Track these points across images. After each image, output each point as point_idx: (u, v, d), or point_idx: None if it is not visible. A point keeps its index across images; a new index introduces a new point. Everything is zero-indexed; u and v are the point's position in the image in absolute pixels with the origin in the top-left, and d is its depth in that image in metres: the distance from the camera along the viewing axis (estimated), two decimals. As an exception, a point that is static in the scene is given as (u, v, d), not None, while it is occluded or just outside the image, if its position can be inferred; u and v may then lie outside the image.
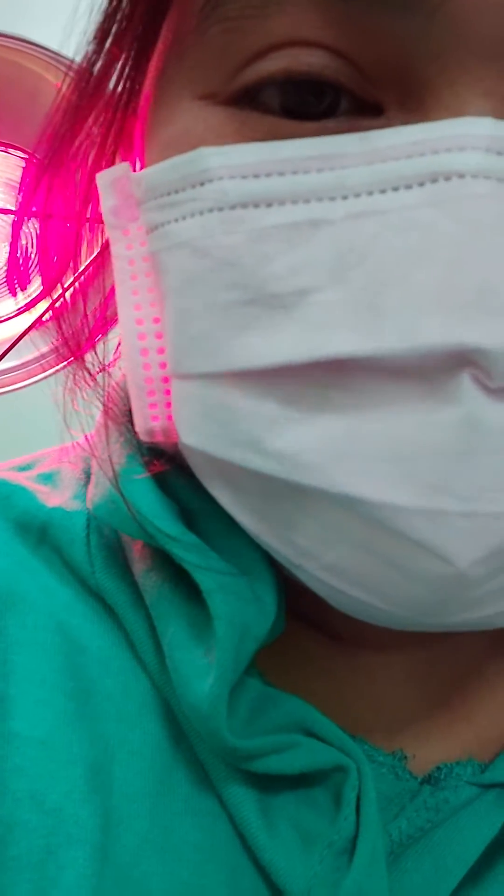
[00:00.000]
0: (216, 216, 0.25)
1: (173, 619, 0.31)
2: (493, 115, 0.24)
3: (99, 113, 0.30)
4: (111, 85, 0.29)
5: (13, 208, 0.71)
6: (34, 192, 0.32)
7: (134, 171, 0.29)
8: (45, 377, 0.78)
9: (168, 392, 0.29)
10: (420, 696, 0.34)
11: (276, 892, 0.30)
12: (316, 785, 0.31)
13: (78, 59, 0.30)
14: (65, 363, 0.85)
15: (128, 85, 0.29)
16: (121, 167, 0.28)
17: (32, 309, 0.75)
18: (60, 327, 0.34)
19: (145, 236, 0.28)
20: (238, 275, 0.25)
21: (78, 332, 0.34)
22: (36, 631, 0.32)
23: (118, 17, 0.28)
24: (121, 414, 0.33)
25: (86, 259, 0.34)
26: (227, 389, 0.26)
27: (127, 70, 0.29)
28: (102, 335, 0.34)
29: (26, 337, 0.73)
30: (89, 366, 0.33)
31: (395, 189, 0.24)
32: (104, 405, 0.33)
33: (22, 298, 0.71)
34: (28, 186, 0.33)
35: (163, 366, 0.29)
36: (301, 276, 0.24)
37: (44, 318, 0.73)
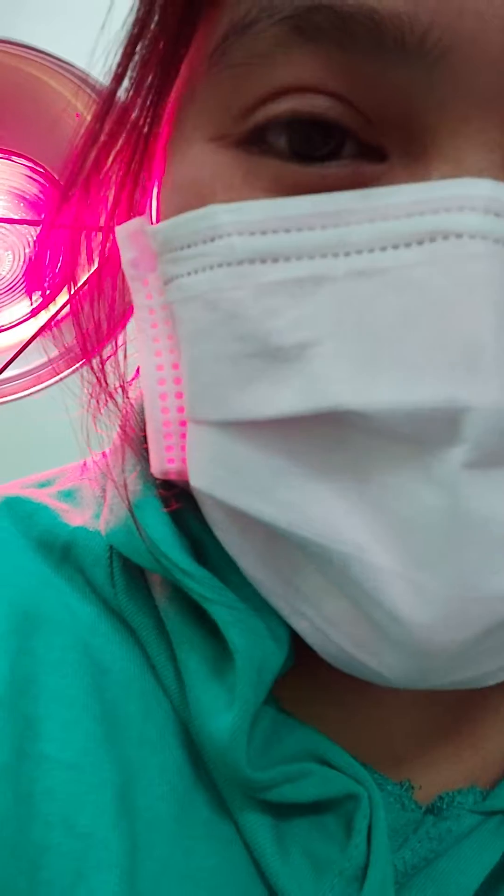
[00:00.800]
0: (224, 271, 0.26)
1: (195, 650, 0.31)
2: (492, 167, 0.24)
3: (120, 148, 0.31)
4: (132, 119, 0.30)
5: (15, 216, 0.70)
6: (58, 211, 0.33)
7: (151, 220, 0.30)
8: (52, 384, 0.78)
9: (184, 436, 0.30)
10: (427, 723, 0.35)
11: None
12: (328, 812, 0.31)
13: (96, 77, 0.31)
14: (70, 370, 0.84)
15: (147, 121, 0.30)
16: (137, 221, 0.29)
17: (38, 315, 0.75)
18: (79, 326, 0.34)
19: (163, 287, 0.29)
20: (244, 327, 0.26)
21: (90, 335, 0.34)
22: (64, 651, 0.32)
23: (137, 57, 0.29)
24: (137, 438, 0.33)
25: (92, 268, 0.34)
26: (235, 438, 0.27)
27: (146, 108, 0.30)
28: (113, 338, 0.35)
29: (33, 344, 0.73)
30: (95, 377, 0.34)
31: (396, 247, 0.24)
32: (121, 426, 0.34)
33: (32, 305, 0.71)
34: (52, 206, 0.34)
35: (180, 410, 0.30)
36: (303, 330, 0.25)
37: (55, 323, 0.72)
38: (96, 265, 0.33)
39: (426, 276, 0.24)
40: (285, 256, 0.25)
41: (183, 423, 0.30)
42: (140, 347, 0.30)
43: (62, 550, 0.34)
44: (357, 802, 0.31)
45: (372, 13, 0.24)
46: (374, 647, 0.28)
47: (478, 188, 0.24)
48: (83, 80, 0.65)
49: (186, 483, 0.30)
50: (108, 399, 0.34)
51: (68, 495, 0.37)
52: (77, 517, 0.35)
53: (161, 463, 0.31)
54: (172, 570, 0.30)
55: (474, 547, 0.25)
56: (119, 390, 0.34)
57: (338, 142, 0.26)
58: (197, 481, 0.28)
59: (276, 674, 0.30)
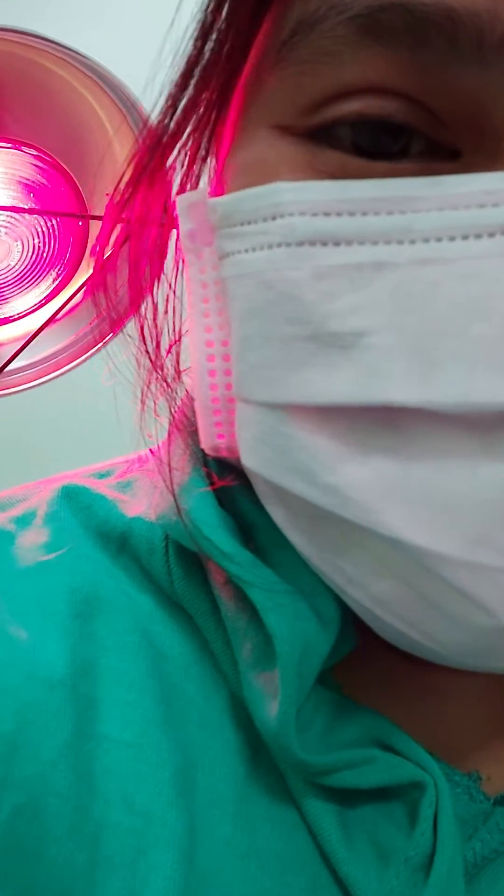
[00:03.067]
0: (283, 251, 0.26)
1: (248, 637, 0.31)
2: None
3: (185, 142, 0.31)
4: (195, 118, 0.30)
5: (25, 207, 0.70)
6: (124, 207, 0.33)
7: (212, 194, 0.29)
8: (57, 377, 0.78)
9: (233, 412, 0.29)
10: (493, 718, 0.35)
11: None
12: (394, 799, 0.31)
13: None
14: (74, 364, 0.84)
15: (215, 113, 0.30)
16: (199, 192, 0.29)
17: (44, 306, 0.75)
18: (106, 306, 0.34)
19: (218, 262, 0.29)
20: (299, 310, 0.26)
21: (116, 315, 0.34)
22: (124, 635, 0.32)
23: (205, 55, 0.29)
24: (189, 424, 0.33)
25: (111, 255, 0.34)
26: (283, 419, 0.27)
27: (213, 102, 0.30)
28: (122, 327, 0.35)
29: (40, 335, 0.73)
30: (150, 364, 0.34)
31: (465, 237, 0.24)
32: (173, 416, 0.34)
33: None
34: (118, 202, 0.33)
35: (228, 387, 0.30)
36: (360, 317, 0.25)
37: (65, 313, 0.72)
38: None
39: (495, 268, 0.23)
40: (347, 240, 0.25)
41: (232, 400, 0.29)
42: (191, 322, 0.30)
43: (119, 541, 0.35)
44: (422, 790, 0.30)
45: (450, 12, 0.23)
46: (426, 626, 0.28)
47: None
48: (94, 70, 0.65)
49: (238, 462, 0.30)
50: (164, 386, 0.33)
51: (126, 486, 0.37)
52: (134, 508, 0.35)
53: (211, 438, 0.30)
54: (213, 552, 0.30)
55: None
56: (163, 377, 0.33)
57: (406, 141, 0.25)
58: (246, 460, 0.28)
59: (323, 657, 0.30)
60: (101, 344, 0.76)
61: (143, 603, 0.34)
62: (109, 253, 0.37)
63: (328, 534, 0.28)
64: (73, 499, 0.36)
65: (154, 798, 0.30)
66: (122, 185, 0.33)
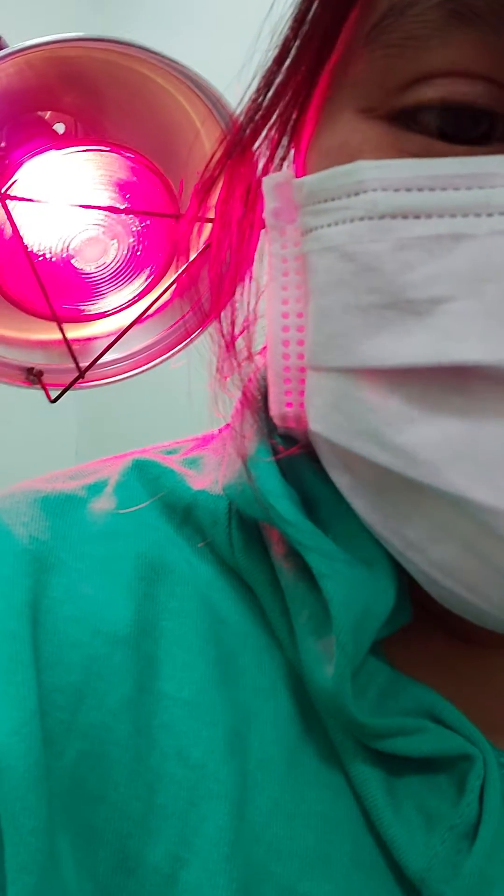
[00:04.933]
0: (365, 224, 0.27)
1: (306, 605, 0.32)
2: None
3: (271, 127, 0.32)
4: (283, 103, 0.32)
5: (122, 207, 0.74)
6: (209, 188, 0.35)
7: (297, 176, 0.31)
8: (148, 369, 0.81)
9: (303, 381, 0.31)
10: None
11: (395, 868, 0.31)
12: (441, 771, 0.32)
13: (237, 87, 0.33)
14: (167, 355, 0.87)
15: (303, 96, 0.31)
16: (285, 173, 0.31)
17: (138, 302, 0.78)
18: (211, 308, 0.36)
19: (300, 238, 0.30)
20: (379, 280, 0.27)
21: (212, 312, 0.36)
22: (184, 600, 0.34)
23: (299, 35, 0.30)
24: (257, 401, 0.35)
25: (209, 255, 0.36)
26: (356, 384, 0.28)
27: (303, 84, 0.31)
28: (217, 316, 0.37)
29: (130, 331, 0.76)
30: (224, 344, 0.35)
31: None
32: (243, 392, 0.36)
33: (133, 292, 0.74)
34: (199, 193, 0.35)
35: (300, 357, 0.31)
36: (438, 285, 0.26)
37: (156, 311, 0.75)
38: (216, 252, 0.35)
39: None
40: (427, 213, 0.26)
41: (302, 370, 0.31)
42: (268, 295, 0.32)
43: (184, 512, 0.37)
44: (471, 763, 0.31)
45: None
46: (488, 589, 0.28)
47: None
48: (186, 74, 0.68)
49: (304, 434, 0.31)
50: (236, 366, 0.35)
51: (193, 462, 0.39)
52: (199, 482, 0.37)
53: (280, 406, 0.32)
54: (275, 518, 0.32)
55: None
56: (236, 358, 0.35)
57: (489, 126, 0.26)
58: (315, 425, 0.30)
59: (379, 624, 0.31)
60: (190, 338, 0.79)
61: (204, 572, 0.35)
62: (200, 250, 0.39)
63: (392, 499, 0.29)
64: (143, 471, 0.38)
65: (207, 754, 0.32)
66: (211, 166, 0.34)
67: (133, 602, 0.33)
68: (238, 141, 0.33)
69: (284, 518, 0.32)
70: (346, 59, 0.29)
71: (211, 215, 0.36)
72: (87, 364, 0.75)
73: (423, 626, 0.34)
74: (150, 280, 0.76)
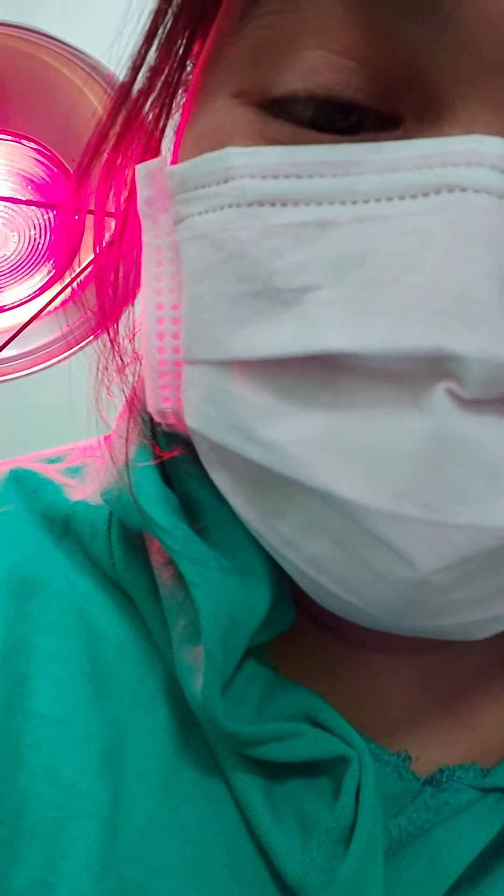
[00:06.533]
0: (234, 211, 0.27)
1: (182, 613, 0.31)
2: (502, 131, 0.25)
3: (147, 113, 0.32)
4: (157, 88, 0.31)
5: (23, 198, 0.72)
6: (80, 186, 0.34)
7: (171, 163, 0.30)
8: (49, 366, 0.79)
9: (179, 376, 0.30)
10: (424, 700, 0.35)
11: (276, 875, 0.31)
12: (321, 774, 0.32)
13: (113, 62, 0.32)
14: (65, 354, 0.85)
15: (174, 82, 0.31)
16: (158, 160, 0.30)
17: (38, 297, 0.76)
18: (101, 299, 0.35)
19: (173, 227, 0.30)
20: (247, 267, 0.27)
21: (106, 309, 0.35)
22: (59, 615, 0.33)
23: (164, 24, 0.30)
24: (140, 402, 0.34)
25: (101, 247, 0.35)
26: (228, 377, 0.28)
27: (174, 70, 0.31)
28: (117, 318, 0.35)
29: (31, 326, 0.74)
30: (108, 350, 0.34)
31: (402, 198, 0.25)
32: (127, 398, 0.35)
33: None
34: (75, 180, 0.34)
35: (176, 350, 0.30)
36: (304, 273, 0.26)
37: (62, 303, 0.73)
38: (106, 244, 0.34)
39: (428, 224, 0.24)
40: (294, 201, 0.26)
41: (179, 364, 0.30)
42: (142, 287, 0.31)
43: (63, 524, 0.35)
44: (347, 765, 0.31)
45: None
46: (356, 584, 0.28)
47: (488, 145, 0.24)
48: (92, 66, 0.66)
49: (184, 430, 0.30)
50: (119, 370, 0.34)
51: (75, 471, 0.38)
52: (80, 492, 0.36)
53: (157, 402, 0.31)
54: (150, 524, 0.31)
55: (456, 470, 0.25)
56: (117, 364, 0.34)
57: (360, 116, 0.26)
58: (191, 420, 0.29)
59: (250, 633, 0.31)
60: (93, 336, 0.77)
61: (82, 585, 0.34)
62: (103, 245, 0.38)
63: (268, 496, 0.29)
64: (20, 482, 0.37)
65: (79, 772, 0.31)
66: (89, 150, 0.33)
67: (2, 619, 0.32)
68: (113, 124, 0.32)
69: (158, 524, 0.31)
70: (218, 43, 0.29)
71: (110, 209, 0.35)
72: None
73: (307, 628, 0.34)
74: (51, 274, 0.74)
